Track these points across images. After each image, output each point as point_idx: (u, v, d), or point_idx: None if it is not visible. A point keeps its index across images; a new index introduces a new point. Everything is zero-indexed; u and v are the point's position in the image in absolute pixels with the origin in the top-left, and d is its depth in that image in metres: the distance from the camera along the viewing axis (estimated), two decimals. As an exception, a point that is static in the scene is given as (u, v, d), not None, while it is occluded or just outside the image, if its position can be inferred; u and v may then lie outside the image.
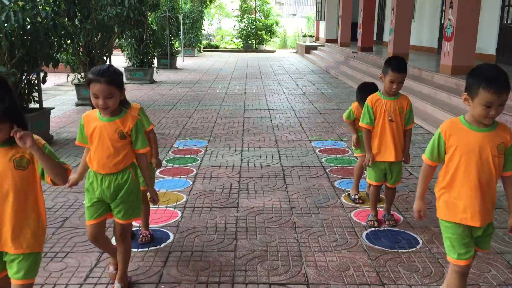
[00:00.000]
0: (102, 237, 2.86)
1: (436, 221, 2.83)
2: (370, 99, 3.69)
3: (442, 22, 13.73)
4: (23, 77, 6.21)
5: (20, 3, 5.38)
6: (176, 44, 19.32)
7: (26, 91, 6.39)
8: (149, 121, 3.33)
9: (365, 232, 3.74)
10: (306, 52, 23.18)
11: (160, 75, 14.31)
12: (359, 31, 16.78)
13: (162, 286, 2.96)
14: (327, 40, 23.40)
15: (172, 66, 17.35)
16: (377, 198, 3.91)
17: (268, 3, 30.81)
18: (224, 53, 26.56)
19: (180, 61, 19.46)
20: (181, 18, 18.88)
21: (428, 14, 15.83)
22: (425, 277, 3.08)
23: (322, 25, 25.95)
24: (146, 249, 3.45)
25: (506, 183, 2.42)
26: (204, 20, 25.74)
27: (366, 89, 4.05)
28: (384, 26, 19.56)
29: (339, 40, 20.19)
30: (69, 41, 6.75)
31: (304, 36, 30.47)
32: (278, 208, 4.23)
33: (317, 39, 27.38)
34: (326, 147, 6.32)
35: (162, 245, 3.52)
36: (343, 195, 4.54)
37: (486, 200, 2.37)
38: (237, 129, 7.42)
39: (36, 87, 6.56)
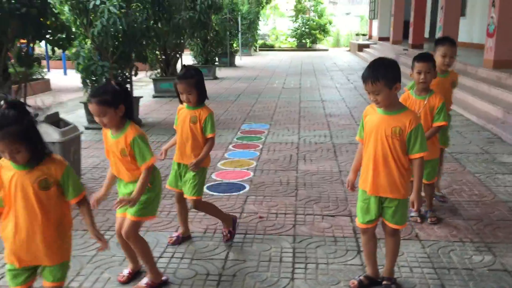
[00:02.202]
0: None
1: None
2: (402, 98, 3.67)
3: (492, 19, 14.20)
4: (119, 71, 7.59)
5: (122, 10, 6.72)
6: (235, 44, 20.65)
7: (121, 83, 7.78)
8: (213, 128, 3.39)
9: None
10: (358, 50, 23.93)
11: (221, 72, 15.66)
12: (410, 29, 17.42)
13: (245, 214, 4.12)
14: (380, 38, 24.03)
15: (231, 64, 18.69)
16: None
17: (322, 3, 31.67)
18: (278, 52, 27.71)
19: (238, 59, 20.78)
20: (239, 19, 20.19)
21: (479, 11, 16.26)
22: (441, 214, 4.06)
23: (375, 23, 26.57)
24: (230, 193, 4.63)
25: (412, 164, 2.74)
26: (260, 21, 26.99)
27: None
28: (436, 23, 20.01)
29: (391, 38, 20.84)
30: (156, 42, 8.10)
31: (357, 34, 31.14)
32: (329, 172, 5.31)
33: (370, 37, 28.00)
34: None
35: (241, 192, 4.69)
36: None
37: (381, 175, 2.72)
38: (294, 116, 8.53)
39: (129, 79, 7.94)
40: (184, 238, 3.60)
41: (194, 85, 3.25)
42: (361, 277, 2.98)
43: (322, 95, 11.11)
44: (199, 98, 3.32)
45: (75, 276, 3.12)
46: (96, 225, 2.46)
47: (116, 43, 7.12)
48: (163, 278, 3.01)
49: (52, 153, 2.27)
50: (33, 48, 4.77)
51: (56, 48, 4.91)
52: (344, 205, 4.32)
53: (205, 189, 4.69)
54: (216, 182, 4.96)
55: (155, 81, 10.92)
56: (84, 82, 7.40)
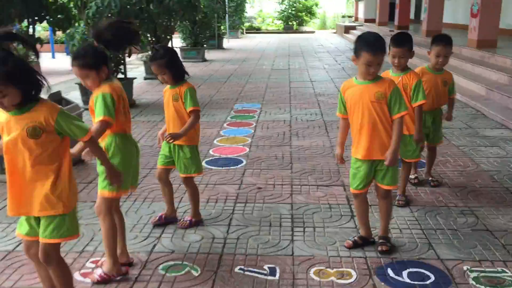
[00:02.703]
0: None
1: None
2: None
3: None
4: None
5: (116, -9, 6.83)
6: (222, 27, 20.68)
7: (113, 64, 7.89)
8: (193, 102, 3.30)
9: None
10: (345, 32, 24.11)
11: (209, 54, 15.75)
12: (396, 10, 17.65)
13: (244, 185, 4.35)
14: (366, 20, 24.23)
15: (219, 46, 18.77)
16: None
17: (308, -15, 31.70)
18: (265, 35, 27.78)
19: (226, 42, 20.83)
20: (227, 2, 20.19)
21: (463, -8, 16.53)
22: (427, 183, 4.34)
23: (361, 5, 26.73)
24: (228, 167, 4.85)
25: (392, 124, 2.97)
26: (247, 3, 26.96)
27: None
28: (422, 5, 20.26)
29: (377, 20, 21.06)
30: (149, 23, 8.21)
31: (343, 16, 31.29)
32: (321, 146, 5.55)
33: (356, 19, 28.18)
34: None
35: (239, 166, 4.91)
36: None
37: (372, 139, 2.95)
38: (285, 96, 8.74)
39: (122, 61, 8.06)
40: (167, 219, 3.56)
41: (164, 66, 3.19)
42: (356, 238, 3.24)
43: (311, 76, 11.32)
44: (174, 76, 3.26)
45: (90, 241, 3.33)
46: (109, 162, 2.50)
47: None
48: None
49: (43, 99, 2.13)
50: (34, 30, 4.86)
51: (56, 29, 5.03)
52: (337, 176, 4.57)
53: (203, 164, 4.92)
54: (214, 158, 5.17)
55: (145, 63, 11.02)
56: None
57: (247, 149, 5.47)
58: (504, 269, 2.93)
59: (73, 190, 2.28)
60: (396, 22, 17.56)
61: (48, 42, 14.64)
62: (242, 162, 5.03)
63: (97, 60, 2.66)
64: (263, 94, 8.98)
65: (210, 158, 5.15)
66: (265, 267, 2.99)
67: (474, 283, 2.79)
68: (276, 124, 6.65)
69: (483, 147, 5.42)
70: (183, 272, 2.95)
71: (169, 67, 3.21)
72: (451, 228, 3.47)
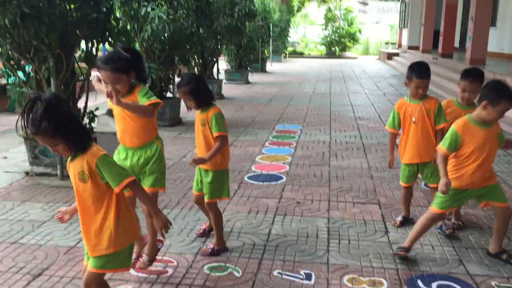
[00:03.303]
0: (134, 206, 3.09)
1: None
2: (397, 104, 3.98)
3: (522, 30, 14.38)
4: (164, 72, 8.20)
5: (170, 16, 7.32)
6: (266, 50, 21.21)
7: (163, 83, 8.38)
8: (219, 127, 3.30)
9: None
10: (388, 59, 24.18)
11: (253, 77, 16.22)
12: (440, 38, 17.65)
13: (283, 199, 4.60)
14: (409, 47, 24.22)
15: (262, 69, 19.24)
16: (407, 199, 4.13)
17: (352, 12, 32.03)
18: (308, 59, 28.15)
19: (269, 65, 21.32)
20: (271, 27, 20.75)
21: (510, 21, 16.41)
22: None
23: (405, 32, 26.74)
24: (269, 182, 5.12)
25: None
26: (291, 28, 27.51)
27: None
28: (466, 33, 20.16)
29: (420, 47, 21.05)
30: (199, 46, 8.70)
31: (386, 43, 31.35)
32: (359, 167, 5.75)
33: (400, 46, 28.18)
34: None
35: (279, 182, 5.17)
36: (410, 162, 5.96)
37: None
38: (325, 118, 8.99)
39: (172, 81, 8.54)
40: (210, 231, 3.73)
41: (189, 93, 3.24)
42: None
43: (352, 100, 11.53)
44: (199, 102, 3.29)
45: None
46: (157, 208, 2.48)
47: (162, 47, 7.72)
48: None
49: (92, 144, 2.25)
50: (97, 49, 5.35)
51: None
52: (373, 195, 4.76)
53: (246, 178, 5.22)
54: (255, 174, 5.46)
55: (192, 83, 11.53)
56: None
57: (287, 167, 5.73)
58: (532, 287, 3.05)
59: (122, 231, 2.33)
60: (440, 50, 17.54)
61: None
62: (282, 178, 5.29)
63: (128, 65, 2.82)
64: (304, 116, 9.25)
65: (252, 174, 5.44)
66: (302, 272, 3.22)
67: (501, 297, 2.92)
68: (316, 144, 6.89)
69: (521, 173, 5.48)
70: (226, 272, 3.22)
71: (193, 94, 3.25)
72: (482, 248, 3.60)
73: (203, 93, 3.31)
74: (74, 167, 2.22)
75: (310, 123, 8.55)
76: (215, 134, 3.28)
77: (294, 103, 11.03)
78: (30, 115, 2.09)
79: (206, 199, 3.44)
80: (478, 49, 13.61)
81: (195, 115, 3.43)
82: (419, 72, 3.70)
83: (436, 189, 3.44)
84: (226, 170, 3.49)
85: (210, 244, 3.52)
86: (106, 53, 2.89)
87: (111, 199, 2.29)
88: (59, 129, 2.10)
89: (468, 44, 14.05)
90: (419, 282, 3.09)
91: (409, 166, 3.92)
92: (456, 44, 20.04)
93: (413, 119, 3.73)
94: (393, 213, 4.29)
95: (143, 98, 2.93)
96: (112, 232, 2.29)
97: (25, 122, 2.09)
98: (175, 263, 3.33)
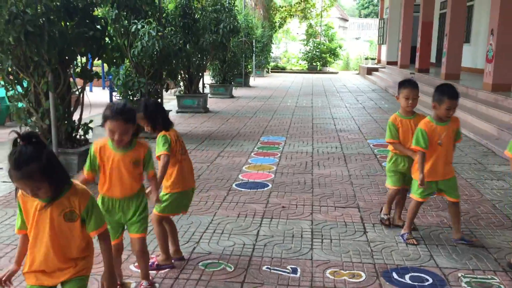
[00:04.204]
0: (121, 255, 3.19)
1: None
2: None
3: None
4: (153, 86, 8.51)
5: (159, 33, 7.66)
6: (249, 65, 21.67)
7: (152, 97, 8.69)
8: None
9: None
10: (367, 74, 24.87)
11: (237, 91, 16.60)
12: (417, 54, 18.33)
13: (270, 204, 4.93)
14: (388, 63, 24.96)
15: (245, 84, 19.66)
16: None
17: (333, 28, 32.85)
18: (290, 74, 28.74)
19: (252, 80, 21.76)
20: (254, 43, 21.23)
21: (482, 38, 17.14)
22: (434, 208, 4.85)
23: (384, 48, 27.55)
24: (255, 189, 5.44)
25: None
26: (273, 44, 28.09)
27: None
28: (442, 49, 20.92)
29: (399, 62, 21.75)
30: (186, 62, 9.04)
31: (366, 58, 32.18)
32: (340, 175, 6.12)
33: (379, 61, 28.97)
34: (379, 143, 8.13)
35: (265, 188, 5.50)
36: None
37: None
38: (308, 130, 9.38)
39: (160, 94, 8.85)
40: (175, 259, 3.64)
41: (144, 118, 3.34)
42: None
43: (333, 113, 11.97)
44: (154, 127, 3.44)
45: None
46: (112, 267, 2.45)
47: (151, 62, 8.04)
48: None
49: (74, 183, 2.22)
50: (92, 65, 5.65)
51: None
52: (353, 200, 5.12)
53: (234, 186, 5.54)
54: (242, 182, 5.78)
55: (178, 97, 11.85)
56: (122, 96, 8.33)
57: (273, 175, 6.06)
58: (493, 276, 3.42)
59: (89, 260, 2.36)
60: (416, 65, 18.20)
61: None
62: (268, 185, 5.62)
63: (134, 116, 2.86)
64: (287, 128, 9.63)
65: (240, 182, 5.76)
66: (288, 267, 3.54)
67: (466, 286, 3.28)
68: (299, 155, 7.25)
69: (489, 180, 5.90)
70: (219, 268, 3.52)
71: (148, 120, 3.35)
72: (451, 245, 3.97)
73: (158, 119, 3.39)
74: (58, 207, 2.14)
75: (293, 135, 8.92)
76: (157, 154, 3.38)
77: (278, 116, 11.41)
78: (14, 157, 1.98)
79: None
80: (453, 64, 14.24)
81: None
82: (451, 93, 3.73)
83: (455, 204, 3.95)
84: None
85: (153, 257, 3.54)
86: (114, 103, 2.85)
87: (90, 239, 2.33)
88: (47, 170, 2.01)
89: (444, 59, 14.68)
90: (394, 274, 3.44)
91: (429, 183, 3.88)
92: (433, 59, 20.80)
93: (440, 142, 3.79)
94: (371, 215, 4.64)
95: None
96: (84, 265, 2.31)
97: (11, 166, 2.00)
98: (173, 259, 3.62)
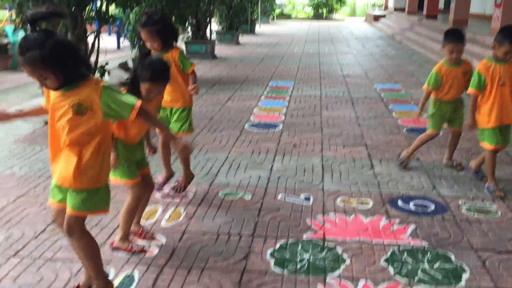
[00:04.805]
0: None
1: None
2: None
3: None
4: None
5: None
6: (255, 12, 21.42)
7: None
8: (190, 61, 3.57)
9: (404, 129, 5.77)
10: (374, 20, 24.55)
11: (243, 38, 16.56)
12: (425, 0, 18.07)
13: (282, 143, 5.18)
14: (395, 9, 24.58)
15: (251, 31, 19.55)
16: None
17: (339, -27, 32.06)
18: (295, 22, 28.38)
19: (257, 27, 21.59)
20: (260, -12, 20.92)
21: (493, -17, 16.84)
22: (438, 146, 5.09)
23: (391, -6, 27.02)
24: (267, 130, 5.68)
25: None
26: (278, -10, 27.60)
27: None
28: (451, -5, 20.55)
29: (406, 9, 21.45)
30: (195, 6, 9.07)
31: (373, 5, 31.58)
32: (348, 117, 6.33)
33: (386, 8, 28.48)
34: (385, 87, 8.29)
35: (276, 129, 5.74)
36: (394, 112, 6.56)
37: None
38: (315, 76, 9.52)
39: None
40: (168, 178, 3.90)
41: (156, 32, 3.30)
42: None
43: (340, 59, 12.04)
44: (164, 43, 3.38)
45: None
46: (166, 129, 2.58)
47: (162, 6, 8.10)
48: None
49: (90, 76, 2.12)
50: (107, 9, 5.75)
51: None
52: (361, 139, 5.36)
53: (246, 127, 5.77)
54: (254, 123, 6.01)
55: (186, 43, 11.91)
56: (132, 41, 8.45)
57: (283, 117, 6.29)
58: (492, 204, 3.69)
59: (104, 168, 2.26)
60: (424, 11, 17.98)
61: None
62: (279, 126, 5.86)
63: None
64: (295, 74, 9.76)
65: (251, 123, 5.99)
66: (301, 196, 3.83)
67: (465, 211, 3.56)
68: (308, 98, 7.44)
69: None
70: (237, 197, 3.81)
71: (160, 34, 3.30)
72: (453, 177, 4.24)
73: (169, 33, 3.34)
74: (68, 99, 2.07)
75: (301, 80, 9.07)
76: (190, 69, 3.51)
77: (285, 62, 11.50)
78: (19, 42, 1.97)
79: (185, 132, 3.65)
80: (461, 10, 14.11)
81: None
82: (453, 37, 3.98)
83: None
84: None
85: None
86: (154, 65, 2.74)
87: (103, 136, 2.19)
88: (50, 58, 1.94)
89: (452, 5, 14.52)
90: (399, 202, 3.72)
91: (497, 128, 3.81)
92: (441, 5, 20.47)
93: (502, 82, 3.71)
94: (378, 153, 4.89)
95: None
96: (96, 168, 2.20)
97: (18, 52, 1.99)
98: (194, 189, 3.91)
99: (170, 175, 3.92)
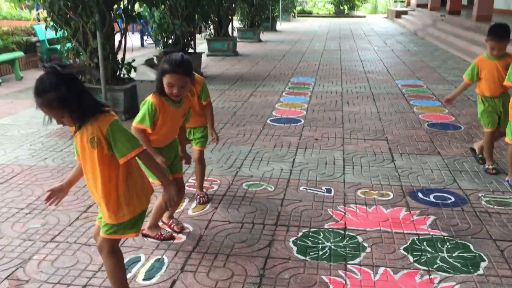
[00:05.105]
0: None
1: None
2: None
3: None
4: (187, 28, 8.75)
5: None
6: (276, 10, 21.50)
7: (185, 40, 8.96)
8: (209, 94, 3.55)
9: (426, 123, 5.80)
10: (396, 17, 24.36)
11: (264, 36, 16.66)
12: (448, -5, 17.86)
13: (303, 137, 5.28)
14: (418, 5, 24.32)
15: (272, 28, 19.65)
16: None
17: (361, -30, 31.87)
18: (316, 19, 28.34)
19: (278, 24, 21.65)
20: (281, -15, 20.99)
21: (518, -22, 16.58)
22: (459, 140, 5.13)
23: (414, -10, 26.74)
24: (289, 124, 5.78)
25: None
26: (299, -13, 27.60)
27: None
28: (475, -10, 20.25)
29: (429, 5, 21.23)
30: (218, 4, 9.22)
31: (395, 1, 31.30)
32: (369, 112, 6.39)
33: (408, 4, 28.20)
34: (407, 83, 8.31)
35: (298, 124, 5.84)
36: (415, 107, 6.59)
37: None
38: (336, 72, 9.57)
39: (193, 37, 9.10)
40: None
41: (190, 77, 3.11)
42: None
43: (361, 56, 12.05)
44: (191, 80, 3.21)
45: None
46: (168, 180, 2.42)
47: (185, 4, 8.26)
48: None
49: (105, 110, 2.15)
50: (133, 8, 5.93)
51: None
52: (382, 133, 5.42)
53: (268, 121, 5.89)
54: (276, 118, 6.12)
55: (208, 41, 12.07)
56: (156, 39, 8.63)
57: (305, 112, 6.39)
58: (511, 197, 3.74)
59: (137, 197, 2.28)
60: (447, 7, 17.79)
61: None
62: (300, 121, 5.95)
63: (192, 69, 2.85)
64: (316, 70, 9.83)
65: (273, 118, 6.10)
66: (323, 188, 3.93)
67: (485, 203, 3.62)
68: (329, 94, 7.52)
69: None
70: (261, 188, 3.93)
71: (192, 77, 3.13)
72: (474, 171, 4.28)
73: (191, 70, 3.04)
74: (85, 134, 2.12)
75: (323, 76, 9.14)
76: (205, 102, 3.49)
77: (306, 59, 11.57)
78: (35, 84, 2.02)
79: (201, 147, 3.64)
80: (485, 6, 13.93)
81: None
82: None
83: None
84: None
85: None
86: (173, 56, 2.75)
87: (121, 166, 2.20)
88: (66, 100, 2.00)
89: (476, 0, 14.35)
90: (419, 194, 3.79)
91: None
92: (464, 1, 20.22)
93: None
94: (399, 147, 4.95)
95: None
96: (123, 200, 2.23)
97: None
98: (218, 181, 4.05)
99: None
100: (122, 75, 6.21)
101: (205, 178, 3.95)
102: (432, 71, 9.63)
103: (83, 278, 2.67)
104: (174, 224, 3.27)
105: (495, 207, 3.56)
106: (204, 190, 3.81)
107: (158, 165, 2.43)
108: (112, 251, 2.34)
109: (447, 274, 2.71)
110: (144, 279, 2.67)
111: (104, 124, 2.10)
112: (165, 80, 2.75)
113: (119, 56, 6.16)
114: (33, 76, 9.21)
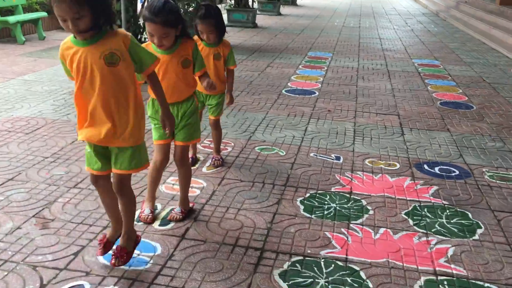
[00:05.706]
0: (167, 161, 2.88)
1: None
2: None
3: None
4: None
5: None
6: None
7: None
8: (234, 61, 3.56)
9: (439, 102, 5.89)
10: (419, -3, 23.96)
11: (284, 9, 16.60)
12: (474, -23, 17.53)
13: (317, 108, 5.42)
14: (442, -14, 23.90)
15: (293, 2, 19.52)
16: None
17: None
18: (338, -5, 28.00)
19: (299, -1, 21.51)
20: (304, -41, 20.73)
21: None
22: (470, 119, 5.22)
23: (439, -30, 26.21)
24: (303, 95, 5.91)
25: None
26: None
27: None
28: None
29: (453, -14, 20.85)
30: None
31: (419, -19, 30.69)
32: (383, 88, 6.48)
33: (433, -15, 27.67)
34: (423, 63, 8.34)
35: (312, 95, 5.96)
36: (429, 86, 6.66)
37: None
38: (354, 48, 9.60)
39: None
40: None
41: (214, 25, 3.22)
42: None
43: (380, 34, 12.01)
44: (219, 37, 3.35)
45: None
46: (167, 106, 2.39)
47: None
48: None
49: (116, 28, 2.09)
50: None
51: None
52: (394, 109, 5.53)
53: (283, 92, 6.02)
54: (291, 88, 6.24)
55: (228, 11, 12.12)
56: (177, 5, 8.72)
57: (320, 85, 6.50)
58: (515, 174, 3.87)
59: (143, 123, 2.24)
60: (472, -11, 17.50)
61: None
62: (315, 93, 6.08)
63: (178, 18, 2.54)
64: (334, 45, 9.87)
65: (289, 88, 6.23)
66: (332, 155, 4.08)
67: (488, 178, 3.75)
68: (345, 69, 7.60)
69: (528, 99, 6.15)
70: (272, 152, 4.10)
71: (217, 27, 3.25)
72: (481, 148, 4.40)
73: (224, 27, 3.32)
74: (96, 49, 2.01)
75: (340, 51, 9.19)
76: (231, 67, 3.56)
77: (325, 34, 11.58)
78: None
79: (217, 116, 3.68)
80: (510, -12, 13.70)
81: (200, 48, 3.27)
82: None
83: None
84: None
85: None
86: (154, 2, 2.48)
87: (136, 87, 2.15)
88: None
89: (501, -17, 14.11)
90: (425, 166, 3.93)
91: None
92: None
93: None
94: (409, 122, 5.07)
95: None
96: (136, 124, 2.18)
97: None
98: (232, 144, 4.23)
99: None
100: (143, 39, 6.35)
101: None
102: (451, 52, 9.61)
103: (104, 220, 2.88)
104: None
105: (498, 181, 3.69)
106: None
107: (162, 89, 2.35)
108: (130, 185, 2.35)
109: (443, 237, 2.87)
110: (159, 225, 2.88)
111: (125, 38, 2.05)
112: (146, 28, 2.55)
113: (141, 20, 6.29)
114: (55, 36, 9.39)
